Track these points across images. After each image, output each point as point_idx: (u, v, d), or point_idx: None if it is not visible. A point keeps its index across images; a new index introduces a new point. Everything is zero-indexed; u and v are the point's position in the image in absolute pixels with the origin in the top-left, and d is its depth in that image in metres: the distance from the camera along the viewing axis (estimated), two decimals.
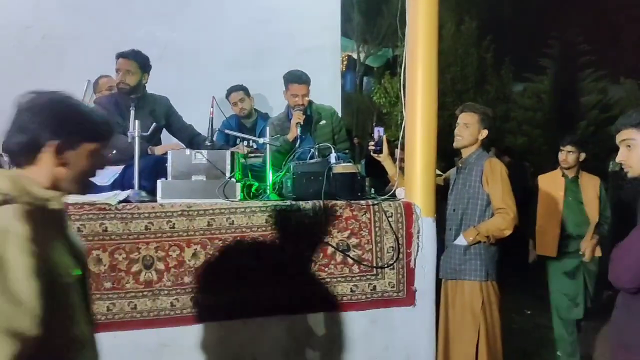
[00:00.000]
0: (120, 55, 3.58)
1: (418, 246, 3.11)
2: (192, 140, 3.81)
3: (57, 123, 1.45)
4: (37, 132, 1.44)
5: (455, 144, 3.51)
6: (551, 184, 4.63)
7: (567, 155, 4.50)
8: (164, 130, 3.87)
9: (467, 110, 3.50)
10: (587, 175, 4.60)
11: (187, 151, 3.08)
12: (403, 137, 3.30)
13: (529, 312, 6.10)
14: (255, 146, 4.00)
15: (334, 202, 3.01)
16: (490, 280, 3.36)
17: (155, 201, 2.92)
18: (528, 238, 4.78)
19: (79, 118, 1.51)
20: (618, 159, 2.28)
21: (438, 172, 3.49)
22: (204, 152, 3.05)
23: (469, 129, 3.46)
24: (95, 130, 1.54)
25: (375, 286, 3.05)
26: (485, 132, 3.46)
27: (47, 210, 1.43)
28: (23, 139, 1.44)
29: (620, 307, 2.32)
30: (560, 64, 17.64)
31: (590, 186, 4.52)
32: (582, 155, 4.52)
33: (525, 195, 4.88)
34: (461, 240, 3.34)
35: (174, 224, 2.82)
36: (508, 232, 3.28)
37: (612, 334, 2.42)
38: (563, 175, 4.60)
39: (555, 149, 4.59)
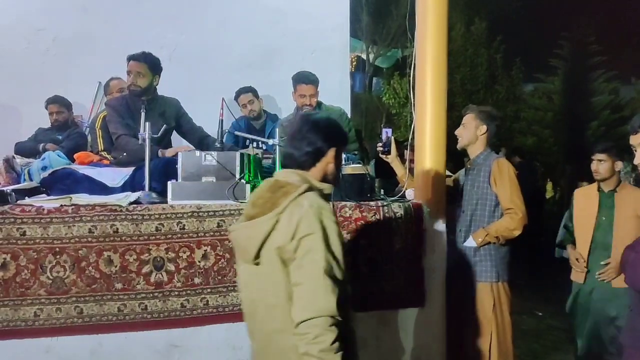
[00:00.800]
0: (131, 58, 3.59)
1: (427, 247, 3.11)
2: (201, 141, 3.82)
3: (332, 136, 2.06)
4: (321, 144, 2.02)
5: (458, 145, 3.53)
6: (586, 200, 3.90)
7: (598, 165, 3.75)
8: (174, 131, 3.88)
9: (466, 112, 3.55)
10: (628, 189, 3.80)
11: (197, 153, 3.08)
12: (412, 138, 3.30)
13: (540, 314, 6.07)
14: (264, 147, 4.01)
15: (343, 203, 3.01)
16: (501, 282, 3.34)
17: (166, 202, 2.93)
18: (565, 244, 4.02)
19: (340, 129, 2.15)
20: (637, 161, 2.26)
21: (448, 172, 3.49)
22: (214, 153, 3.06)
23: (465, 127, 3.49)
24: (346, 136, 2.18)
25: (384, 287, 3.04)
26: (483, 128, 3.45)
27: (324, 196, 2.01)
28: (311, 149, 2.02)
29: (635, 309, 2.30)
30: (571, 64, 17.59)
31: (629, 202, 3.70)
32: (619, 164, 3.74)
33: (535, 195, 4.77)
34: (471, 242, 3.33)
35: (184, 225, 2.83)
36: (517, 233, 3.27)
37: (626, 336, 2.40)
38: (599, 189, 3.84)
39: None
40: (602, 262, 3.67)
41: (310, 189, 1.94)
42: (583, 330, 3.82)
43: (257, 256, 1.90)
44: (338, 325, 1.80)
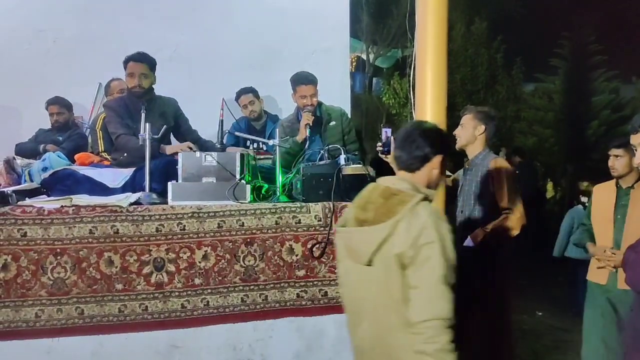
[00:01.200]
0: (132, 59, 3.58)
1: None
2: (196, 144, 3.83)
3: (439, 143, 2.17)
4: (429, 150, 2.12)
5: (456, 145, 3.53)
6: (604, 196, 3.72)
7: (615, 161, 3.59)
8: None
9: (464, 113, 3.57)
10: None
11: (198, 153, 3.09)
12: None
13: (540, 314, 6.07)
14: (264, 148, 4.01)
15: (343, 203, 3.01)
16: None
17: (166, 203, 2.94)
18: (584, 243, 3.78)
19: (447, 139, 2.32)
20: (637, 160, 2.26)
21: (447, 172, 3.49)
22: (214, 154, 3.06)
23: (464, 127, 3.52)
24: (451, 147, 2.33)
25: None
26: (481, 128, 3.47)
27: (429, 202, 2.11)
28: (419, 154, 2.12)
29: (637, 310, 2.30)
30: (571, 64, 17.56)
31: None
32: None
33: (536, 196, 4.73)
34: (469, 242, 3.33)
35: (184, 225, 2.83)
36: (515, 233, 3.27)
37: (628, 337, 2.40)
38: (617, 185, 3.66)
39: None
40: (607, 250, 3.47)
41: (425, 198, 2.05)
42: (596, 331, 3.64)
43: (371, 259, 2.01)
44: (452, 327, 1.92)
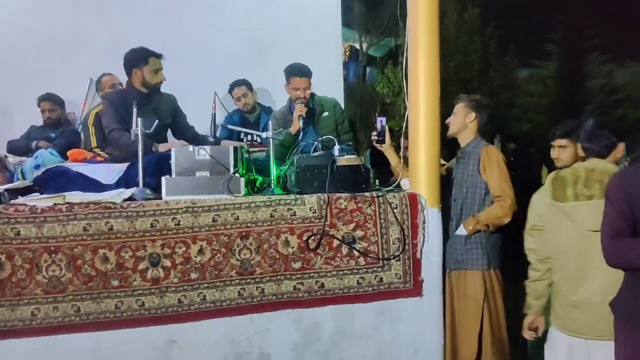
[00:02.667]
0: (156, 55, 3.62)
1: (424, 237, 3.10)
2: (193, 139, 3.81)
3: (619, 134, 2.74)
4: (614, 140, 2.70)
5: (448, 133, 3.53)
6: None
7: (560, 151, 3.27)
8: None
9: (456, 102, 3.57)
10: None
11: (191, 147, 3.07)
12: (407, 127, 3.29)
13: None
14: (258, 140, 3.99)
15: (338, 194, 3.01)
16: (493, 269, 3.36)
17: (160, 198, 2.92)
18: None
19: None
20: None
21: (442, 161, 3.49)
22: (207, 148, 3.05)
23: (455, 115, 3.52)
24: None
25: (381, 278, 3.04)
26: (472, 116, 3.47)
27: None
28: (607, 143, 2.74)
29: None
30: (565, 49, 17.56)
31: None
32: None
33: (532, 182, 4.75)
34: (461, 230, 3.35)
35: (179, 220, 2.82)
36: (507, 220, 3.28)
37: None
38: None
39: None
40: None
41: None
42: None
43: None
44: None
